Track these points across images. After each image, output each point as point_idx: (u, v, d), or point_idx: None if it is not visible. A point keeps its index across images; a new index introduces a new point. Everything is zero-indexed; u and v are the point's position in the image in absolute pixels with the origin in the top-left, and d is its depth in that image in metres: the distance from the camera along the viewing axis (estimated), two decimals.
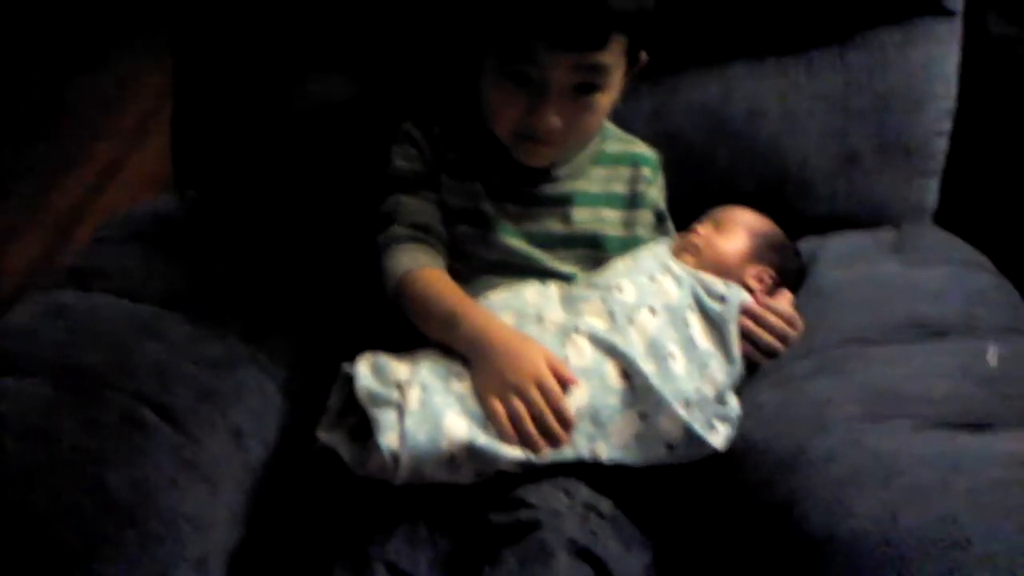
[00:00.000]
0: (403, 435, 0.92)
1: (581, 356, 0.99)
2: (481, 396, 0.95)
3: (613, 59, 1.01)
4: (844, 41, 1.23)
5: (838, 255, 1.18)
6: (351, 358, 1.01)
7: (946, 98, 1.24)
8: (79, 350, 0.96)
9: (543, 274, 1.10)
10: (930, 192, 1.26)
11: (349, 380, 0.98)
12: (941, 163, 1.26)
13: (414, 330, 1.05)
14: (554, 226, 1.12)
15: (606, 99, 1.04)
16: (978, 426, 0.91)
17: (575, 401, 0.96)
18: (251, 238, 1.20)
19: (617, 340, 0.99)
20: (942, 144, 1.25)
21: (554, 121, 1.02)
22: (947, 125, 1.25)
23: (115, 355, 0.97)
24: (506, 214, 1.11)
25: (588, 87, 1.02)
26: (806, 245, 1.22)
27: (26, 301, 1.03)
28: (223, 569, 0.92)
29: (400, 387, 0.95)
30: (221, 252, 1.16)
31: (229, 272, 1.14)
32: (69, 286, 1.06)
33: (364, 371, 0.97)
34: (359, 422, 0.97)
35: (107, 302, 1.04)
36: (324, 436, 0.98)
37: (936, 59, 1.23)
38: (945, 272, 1.13)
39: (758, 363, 1.06)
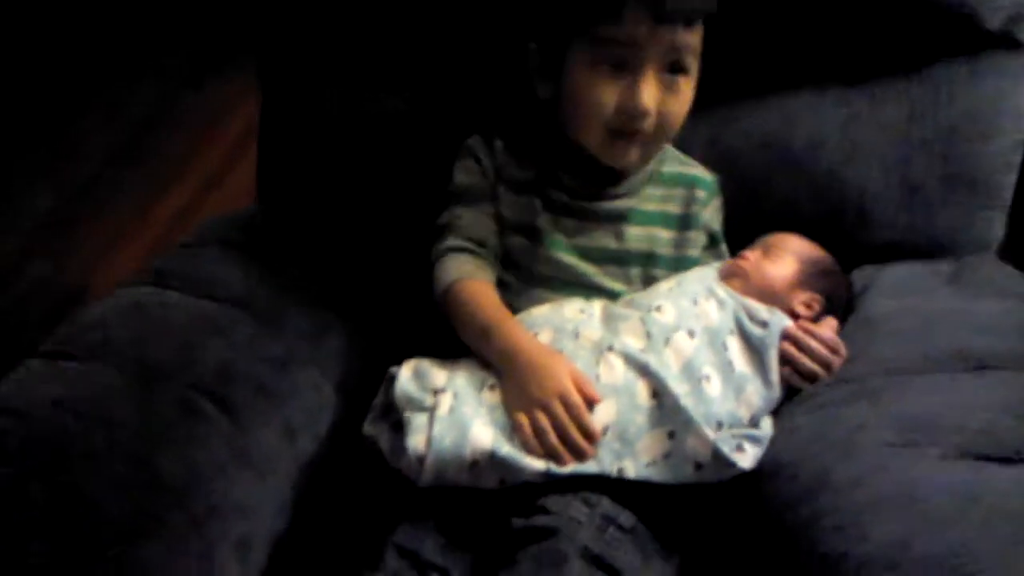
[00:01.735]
0: (430, 439, 0.96)
1: (613, 374, 1.01)
2: (508, 408, 0.99)
3: (698, 42, 1.06)
4: (909, 73, 1.23)
5: (892, 285, 1.18)
6: (403, 359, 1.07)
7: (1015, 132, 1.22)
8: (146, 342, 1.03)
9: (592, 290, 1.13)
10: (994, 225, 1.24)
11: (393, 381, 1.04)
12: (1008, 197, 1.24)
13: (459, 339, 1.09)
14: (607, 242, 1.15)
15: (690, 87, 1.08)
16: (1008, 459, 0.90)
17: (601, 418, 0.99)
18: (320, 246, 1.26)
19: (651, 360, 1.02)
20: (1010, 178, 1.23)
21: (652, 98, 1.05)
22: (1016, 158, 1.23)
23: (180, 349, 1.04)
24: (561, 229, 1.14)
25: (678, 67, 1.06)
26: (862, 274, 1.21)
27: (107, 298, 1.11)
28: (266, 552, 0.99)
29: (436, 393, 1.00)
30: (292, 258, 1.23)
31: (297, 277, 1.20)
32: (148, 284, 1.14)
33: (406, 375, 1.03)
34: (400, 420, 1.02)
35: (179, 300, 1.11)
36: (369, 428, 1.04)
37: (1005, 92, 1.21)
38: (998, 305, 1.11)
39: (798, 388, 1.07)
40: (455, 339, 1.10)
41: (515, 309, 1.11)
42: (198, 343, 1.06)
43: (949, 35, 1.21)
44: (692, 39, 1.06)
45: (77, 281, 2.00)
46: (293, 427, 1.05)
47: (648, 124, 1.08)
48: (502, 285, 1.14)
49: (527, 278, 1.14)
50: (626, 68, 1.06)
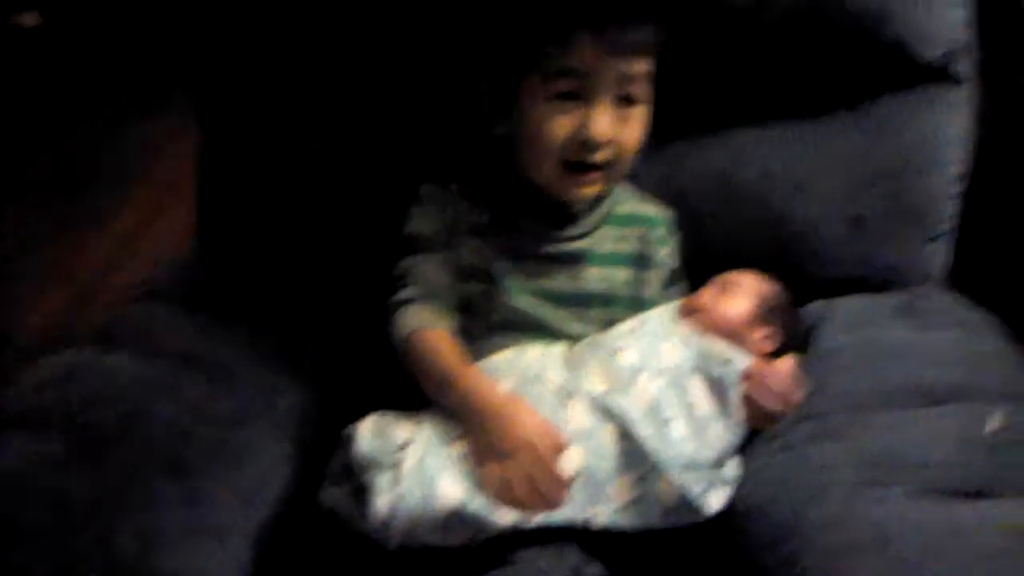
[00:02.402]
0: (397, 499, 0.94)
1: (578, 419, 1.00)
2: (474, 461, 0.97)
3: (648, 72, 1.07)
4: (854, 108, 1.24)
5: (845, 319, 1.19)
6: (362, 415, 1.04)
7: (956, 163, 1.24)
8: (91, 407, 0.99)
9: (552, 334, 1.12)
10: (940, 256, 1.26)
11: (350, 441, 1.01)
12: (952, 226, 1.26)
13: (421, 390, 1.07)
14: (566, 285, 1.14)
15: (643, 118, 1.08)
16: (975, 494, 0.91)
17: (570, 465, 0.98)
18: (266, 295, 1.23)
19: (615, 404, 1.01)
20: (953, 208, 1.25)
21: (607, 127, 1.05)
22: (957, 189, 1.25)
23: (129, 415, 1.00)
24: (519, 273, 1.13)
25: (631, 98, 1.06)
26: (814, 309, 1.22)
27: (44, 361, 1.06)
28: None
29: (400, 449, 0.98)
30: (236, 309, 1.19)
31: (244, 329, 1.17)
32: (88, 346, 1.10)
33: (364, 434, 1.00)
34: (360, 483, 0.99)
35: (122, 359, 1.07)
36: (326, 497, 1.01)
37: (946, 126, 1.24)
38: (951, 336, 1.13)
39: (760, 427, 1.07)
40: (413, 390, 1.07)
41: (476, 356, 1.09)
42: (145, 406, 1.02)
43: (890, 70, 1.23)
44: (643, 68, 1.07)
45: (4, 325, 1.93)
46: (250, 492, 1.02)
47: (603, 155, 1.07)
48: (461, 332, 1.11)
49: (487, 325, 1.12)
50: (579, 99, 1.05)
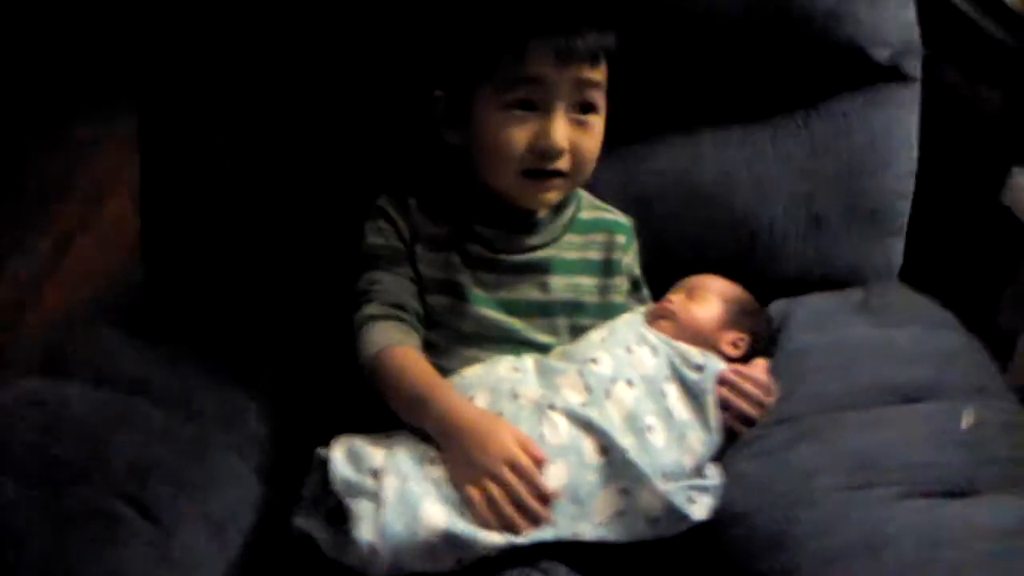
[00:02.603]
0: (380, 526, 0.90)
1: (557, 433, 0.98)
2: (455, 482, 0.95)
3: (603, 80, 1.06)
4: (808, 108, 1.25)
5: (808, 318, 1.19)
6: (328, 437, 1.01)
7: (908, 160, 1.27)
8: (46, 444, 0.94)
9: (520, 344, 1.10)
10: (895, 252, 1.28)
11: (323, 465, 0.97)
12: (904, 223, 1.28)
13: (389, 409, 1.04)
14: (531, 294, 1.12)
15: (600, 124, 1.08)
16: (958, 493, 0.92)
17: (553, 480, 0.96)
18: (217, 315, 1.18)
19: (594, 415, 0.99)
20: (906, 205, 1.27)
21: (564, 136, 1.04)
22: (910, 186, 1.27)
23: (87, 448, 0.95)
24: (482, 284, 1.11)
25: (588, 106, 1.05)
26: (776, 308, 1.22)
27: None
28: None
29: (375, 474, 0.94)
30: (188, 332, 1.14)
31: (198, 352, 1.12)
32: (37, 374, 1.04)
33: (339, 457, 0.97)
34: (336, 507, 0.96)
35: (78, 391, 1.01)
36: (301, 523, 0.97)
37: (897, 123, 1.26)
38: (914, 333, 1.14)
39: (736, 431, 1.06)
40: (380, 411, 1.04)
41: (444, 370, 1.06)
42: (104, 439, 0.96)
43: (842, 70, 1.24)
44: (597, 76, 1.06)
45: None
46: (218, 522, 0.97)
47: (562, 163, 1.06)
48: (428, 346, 1.09)
49: (453, 337, 1.10)
50: (536, 108, 1.04)
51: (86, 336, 1.11)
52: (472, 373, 1.06)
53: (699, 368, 1.07)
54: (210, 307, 1.19)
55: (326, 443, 1.00)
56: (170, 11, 1.18)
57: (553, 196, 1.10)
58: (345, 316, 1.10)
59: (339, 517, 0.95)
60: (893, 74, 1.25)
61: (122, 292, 1.21)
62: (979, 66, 1.87)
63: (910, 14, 1.24)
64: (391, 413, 1.03)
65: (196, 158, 1.22)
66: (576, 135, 1.06)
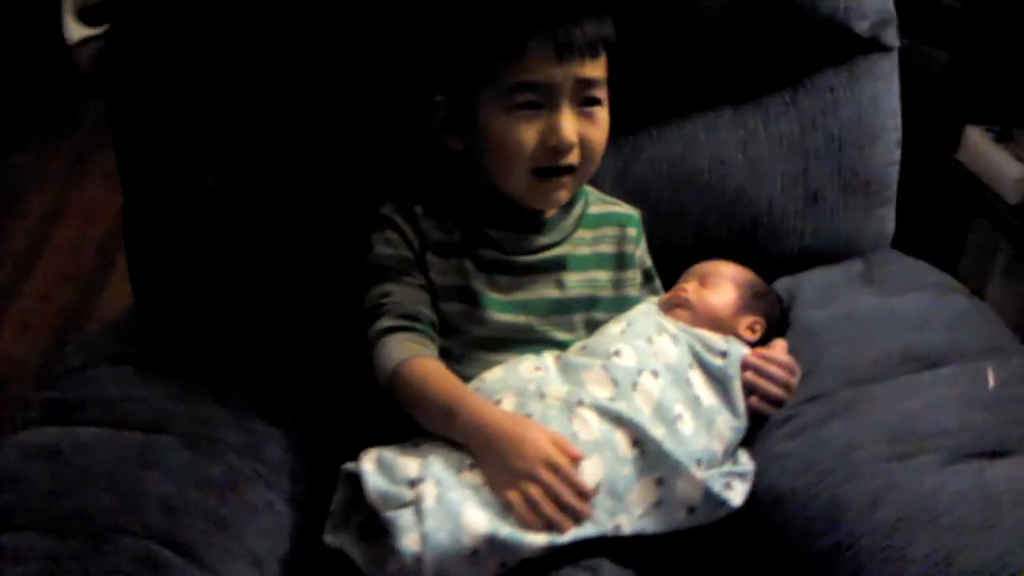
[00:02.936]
0: (424, 536, 0.89)
1: (589, 430, 0.97)
2: (494, 488, 0.93)
3: (604, 75, 1.06)
4: (795, 85, 1.26)
5: (814, 294, 1.20)
6: (348, 453, 0.99)
7: (895, 129, 1.28)
8: (77, 493, 0.90)
9: (537, 343, 1.09)
10: (889, 221, 1.30)
11: (351, 479, 0.96)
12: (895, 191, 1.30)
13: (409, 421, 1.02)
14: (549, 293, 1.11)
15: (605, 116, 1.07)
16: (997, 453, 0.93)
17: (590, 476, 0.95)
18: (226, 342, 1.15)
19: (623, 408, 0.99)
20: (895, 173, 1.29)
21: (573, 131, 1.03)
22: (898, 155, 1.29)
23: (116, 493, 0.91)
24: (498, 287, 1.10)
25: (591, 100, 1.05)
26: (781, 286, 1.23)
27: (11, 443, 0.96)
28: None
29: (412, 484, 0.93)
30: (199, 363, 1.11)
31: (209, 385, 1.08)
32: (48, 423, 1.00)
33: (370, 469, 0.95)
34: (367, 521, 0.95)
35: (94, 435, 0.98)
36: (332, 540, 0.96)
37: (882, 93, 1.27)
38: (920, 299, 1.16)
39: (764, 414, 1.07)
40: (400, 423, 1.02)
41: (463, 376, 1.05)
42: (131, 483, 0.93)
43: (825, 45, 1.25)
44: (598, 70, 1.05)
45: None
46: (259, 556, 0.94)
47: (572, 157, 1.05)
48: (444, 354, 1.07)
49: (469, 343, 1.08)
50: (541, 107, 1.03)
51: (90, 380, 1.07)
52: (493, 377, 1.05)
53: (723, 354, 1.07)
54: (212, 334, 1.16)
55: (347, 459, 0.99)
56: (160, 14, 1.14)
57: (563, 195, 1.10)
58: (355, 330, 1.08)
59: (372, 531, 0.94)
60: (873, 45, 1.26)
61: (116, 330, 1.16)
62: (927, 29, 1.91)
63: None
64: (410, 424, 1.02)
65: (185, 172, 1.17)
66: (584, 128, 1.05)
